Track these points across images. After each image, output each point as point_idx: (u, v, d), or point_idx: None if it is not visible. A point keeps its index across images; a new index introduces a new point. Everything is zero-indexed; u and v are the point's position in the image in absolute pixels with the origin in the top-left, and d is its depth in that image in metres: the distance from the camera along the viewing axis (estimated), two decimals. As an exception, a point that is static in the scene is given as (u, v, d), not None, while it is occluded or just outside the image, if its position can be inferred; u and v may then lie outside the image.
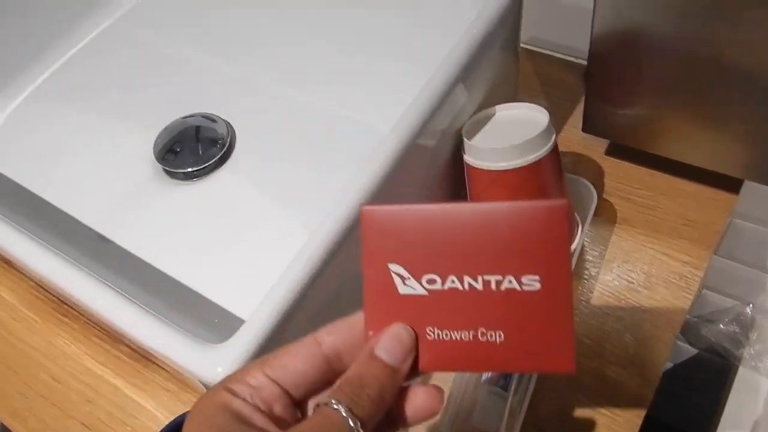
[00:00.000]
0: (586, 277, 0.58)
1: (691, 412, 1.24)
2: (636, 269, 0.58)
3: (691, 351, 1.14)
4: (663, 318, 0.55)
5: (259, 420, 0.26)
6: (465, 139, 0.51)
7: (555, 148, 0.51)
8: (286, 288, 0.39)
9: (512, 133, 0.51)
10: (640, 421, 0.50)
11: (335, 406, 0.26)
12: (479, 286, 0.28)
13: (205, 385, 0.40)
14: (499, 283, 0.28)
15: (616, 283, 0.57)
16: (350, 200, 0.43)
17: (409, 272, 0.28)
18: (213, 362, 0.38)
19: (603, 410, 0.51)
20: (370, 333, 0.29)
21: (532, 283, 0.28)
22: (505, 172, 0.49)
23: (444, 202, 0.29)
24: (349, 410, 0.26)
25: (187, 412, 0.28)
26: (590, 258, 0.59)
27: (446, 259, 0.28)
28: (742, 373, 0.91)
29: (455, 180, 0.55)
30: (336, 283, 0.44)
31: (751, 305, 0.94)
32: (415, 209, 0.29)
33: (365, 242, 0.29)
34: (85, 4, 0.79)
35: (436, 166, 0.53)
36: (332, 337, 0.29)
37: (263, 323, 0.38)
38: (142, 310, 0.42)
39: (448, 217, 0.28)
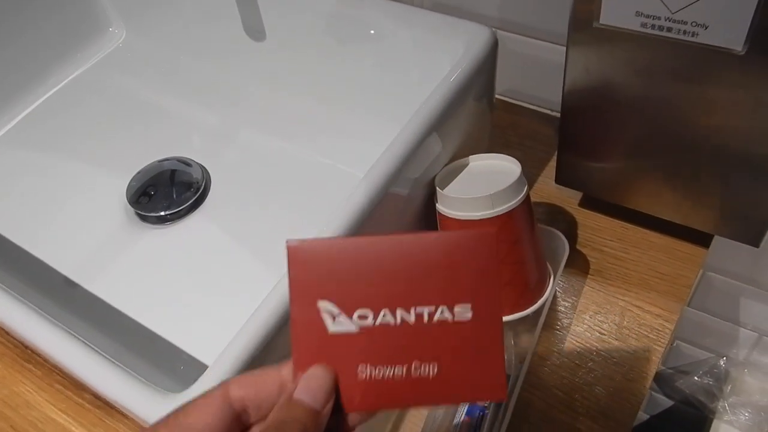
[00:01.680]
0: (557, 327, 0.58)
1: (668, 465, 1.23)
2: (608, 321, 0.58)
3: (666, 402, 1.14)
4: (634, 370, 0.54)
5: None
6: (438, 189, 0.52)
7: (527, 199, 0.52)
8: (250, 334, 0.39)
9: (485, 183, 0.51)
10: (611, 477, 0.50)
11: None
12: (412, 318, 0.28)
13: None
14: (431, 314, 0.28)
15: (588, 334, 0.57)
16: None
17: (340, 308, 0.28)
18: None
19: (574, 465, 0.51)
20: (300, 374, 0.28)
21: (464, 312, 0.27)
22: (477, 222, 0.49)
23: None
24: None
25: None
26: (562, 309, 0.59)
27: (377, 292, 0.28)
28: (717, 426, 0.91)
29: (428, 229, 0.55)
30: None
31: (724, 358, 0.94)
32: (344, 242, 0.29)
33: (292, 279, 0.28)
34: (59, 50, 0.79)
35: (409, 214, 0.53)
36: (242, 390, 0.27)
37: (226, 370, 0.37)
38: (102, 359, 0.41)
39: (377, 249, 0.28)
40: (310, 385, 0.27)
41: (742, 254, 0.77)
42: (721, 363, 0.94)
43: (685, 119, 0.48)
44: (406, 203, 0.52)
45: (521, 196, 0.50)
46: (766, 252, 0.75)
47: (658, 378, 1.09)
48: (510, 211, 0.49)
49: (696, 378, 0.97)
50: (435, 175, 0.54)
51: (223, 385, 0.28)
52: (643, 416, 1.21)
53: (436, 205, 0.52)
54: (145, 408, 0.38)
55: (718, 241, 0.77)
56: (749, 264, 0.78)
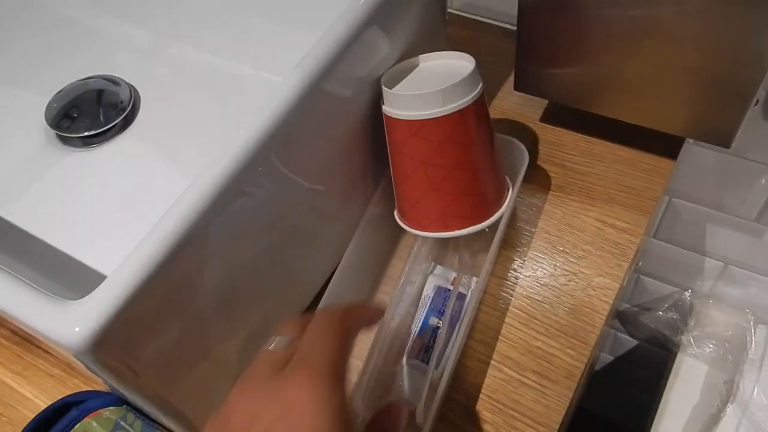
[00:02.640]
0: (518, 245, 0.54)
1: (632, 405, 1.23)
2: (570, 237, 0.54)
3: (631, 343, 1.13)
4: (597, 288, 0.51)
5: None
6: (383, 87, 0.47)
7: (482, 100, 0.47)
8: (153, 243, 0.34)
9: (436, 81, 0.46)
10: (571, 394, 0.46)
11: None
12: None
13: (74, 354, 0.33)
14: None
15: (549, 252, 0.53)
16: (234, 153, 0.38)
17: None
18: (69, 321, 0.32)
19: (532, 383, 0.47)
20: None
21: None
22: (427, 122, 0.44)
23: None
24: None
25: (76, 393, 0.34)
26: (523, 226, 0.55)
27: None
28: (681, 360, 0.89)
29: (378, 136, 0.50)
30: (216, 237, 0.38)
31: (689, 291, 0.92)
32: None
33: None
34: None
35: (354, 116, 0.48)
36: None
37: (125, 279, 0.32)
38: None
39: None
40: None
41: (708, 177, 0.74)
42: (686, 296, 0.92)
43: (653, 13, 0.44)
44: (349, 105, 0.47)
45: (475, 93, 0.45)
46: (732, 173, 0.72)
47: (622, 316, 1.07)
48: (463, 109, 0.44)
49: (660, 313, 0.95)
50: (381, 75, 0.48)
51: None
52: (607, 358, 1.20)
53: (382, 106, 0.47)
54: (38, 315, 0.32)
55: (683, 162, 0.74)
56: (715, 188, 0.75)
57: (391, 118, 0.46)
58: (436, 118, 0.44)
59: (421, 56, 0.50)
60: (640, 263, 0.92)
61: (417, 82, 0.48)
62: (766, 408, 0.79)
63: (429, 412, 0.44)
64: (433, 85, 0.45)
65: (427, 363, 0.47)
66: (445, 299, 0.51)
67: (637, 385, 1.21)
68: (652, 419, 0.87)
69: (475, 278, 0.52)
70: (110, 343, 0.33)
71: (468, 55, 0.48)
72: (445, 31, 0.59)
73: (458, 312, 0.50)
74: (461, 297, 0.51)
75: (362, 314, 0.35)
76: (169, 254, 0.35)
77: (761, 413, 0.79)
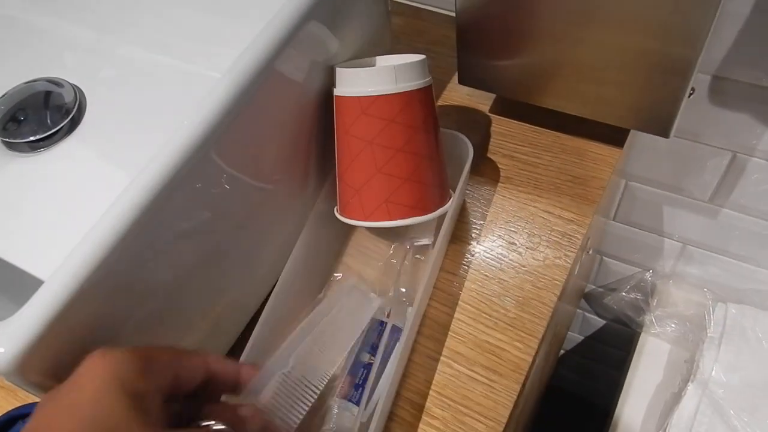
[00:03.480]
0: (467, 239, 0.54)
1: (600, 383, 1.25)
2: (518, 229, 0.54)
3: (598, 322, 1.14)
4: (545, 278, 0.51)
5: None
6: (337, 69, 0.47)
7: (431, 90, 0.48)
8: (86, 252, 0.33)
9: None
10: (518, 387, 0.47)
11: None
12: None
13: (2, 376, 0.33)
14: None
15: (498, 244, 0.54)
16: (169, 152, 0.38)
17: None
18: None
19: (481, 378, 0.47)
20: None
21: None
22: (378, 98, 0.45)
23: None
24: None
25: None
26: (472, 220, 0.56)
27: None
28: (644, 340, 0.91)
29: (323, 132, 0.50)
30: (153, 240, 0.38)
31: (651, 271, 0.94)
32: None
33: None
34: None
35: (297, 114, 0.48)
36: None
37: (52, 294, 0.32)
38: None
39: None
40: None
41: (663, 161, 0.75)
42: (648, 276, 0.94)
43: (584, 10, 0.44)
44: (293, 101, 0.47)
45: (426, 80, 0.47)
46: (686, 156, 0.73)
47: (588, 297, 1.08)
48: (414, 90, 0.45)
49: (623, 294, 0.96)
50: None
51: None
52: (577, 338, 1.22)
53: (334, 90, 0.47)
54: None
55: (638, 147, 0.74)
56: (670, 171, 0.76)
57: (342, 98, 0.47)
58: (387, 95, 0.45)
59: (377, 57, 0.51)
60: (590, 251, 0.93)
61: (370, 68, 0.49)
62: (725, 386, 0.80)
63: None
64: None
65: (357, 403, 0.45)
66: (378, 333, 0.49)
67: (606, 362, 1.22)
68: (618, 398, 0.88)
69: (410, 308, 0.50)
70: (39, 362, 0.32)
71: (421, 55, 0.48)
72: (389, 22, 0.58)
73: (392, 347, 0.48)
74: (396, 331, 0.49)
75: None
76: (101, 263, 0.34)
77: (720, 391, 0.80)
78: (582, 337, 1.22)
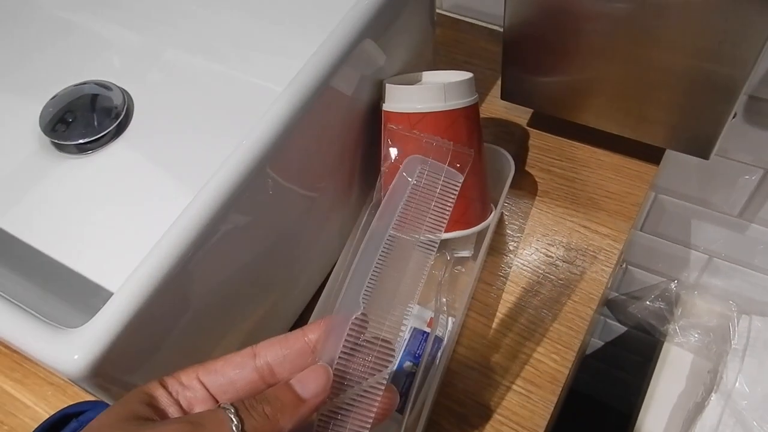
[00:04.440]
0: (504, 252, 0.56)
1: (619, 389, 1.25)
2: (555, 243, 0.55)
3: (620, 329, 1.15)
4: (581, 292, 0.52)
5: (173, 413, 0.28)
6: (386, 84, 0.48)
7: (477, 107, 0.49)
8: (153, 266, 0.35)
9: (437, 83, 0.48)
10: (555, 398, 0.48)
11: (226, 407, 0.26)
12: None
13: (73, 381, 0.35)
14: None
15: (535, 257, 0.55)
16: (236, 162, 0.39)
17: None
18: (68, 349, 0.33)
19: (518, 388, 0.49)
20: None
21: None
22: (427, 115, 0.46)
23: None
24: (237, 414, 0.26)
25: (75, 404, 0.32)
26: (510, 232, 0.57)
27: None
28: (668, 348, 0.92)
29: (371, 143, 0.51)
30: (219, 251, 0.40)
31: (675, 281, 0.94)
32: None
33: None
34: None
35: (348, 127, 0.49)
36: (267, 351, 0.30)
37: (126, 305, 0.34)
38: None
39: None
40: (307, 378, 0.29)
41: (693, 175, 0.76)
42: (672, 286, 0.94)
43: (634, 32, 0.45)
44: (345, 114, 0.48)
45: (473, 98, 0.48)
46: (716, 172, 0.73)
47: (611, 305, 1.09)
48: (462, 108, 0.47)
49: (648, 302, 0.97)
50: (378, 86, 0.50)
51: (255, 345, 0.30)
52: (597, 343, 1.23)
53: (382, 106, 0.49)
54: (38, 344, 0.34)
55: (669, 161, 0.75)
56: (700, 185, 0.76)
57: (390, 113, 0.48)
58: (436, 112, 0.46)
59: (423, 73, 0.52)
60: (624, 265, 0.94)
61: (420, 85, 0.50)
62: (748, 397, 0.81)
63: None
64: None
65: (401, 412, 0.46)
66: (420, 343, 0.50)
67: (626, 369, 1.23)
68: (640, 406, 0.89)
69: (451, 318, 0.51)
70: (109, 368, 0.34)
71: (467, 72, 0.49)
72: (434, 35, 0.60)
73: (434, 357, 0.49)
74: (437, 341, 0.50)
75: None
76: (169, 277, 0.36)
77: (744, 402, 0.81)
78: (602, 343, 1.23)
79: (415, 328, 0.50)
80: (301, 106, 0.42)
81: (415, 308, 0.52)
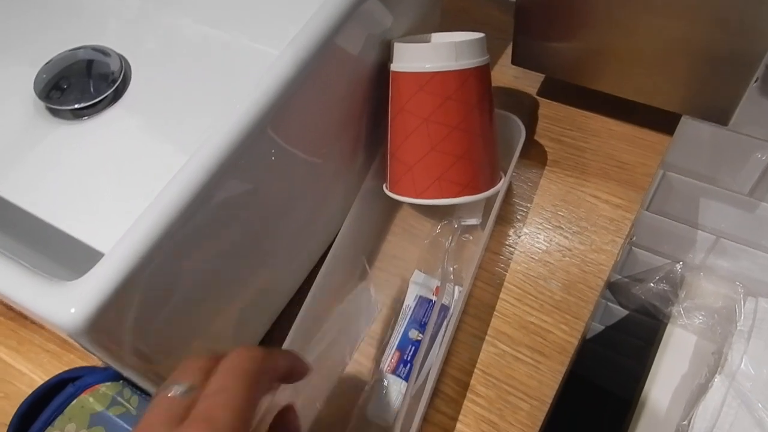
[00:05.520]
0: (513, 221, 0.54)
1: (621, 373, 1.25)
2: (565, 213, 0.54)
3: (621, 312, 1.14)
4: (591, 263, 0.51)
5: None
6: (395, 45, 0.46)
7: (488, 69, 0.47)
8: (150, 222, 0.34)
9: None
10: (563, 368, 0.47)
11: None
12: None
13: (69, 335, 0.33)
14: None
15: (545, 227, 0.53)
16: (232, 124, 0.38)
17: None
18: (65, 302, 0.31)
19: (526, 358, 0.48)
20: None
21: None
22: (437, 74, 0.44)
23: None
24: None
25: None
26: (519, 201, 0.55)
27: None
28: (671, 331, 0.90)
29: (374, 109, 0.50)
30: (216, 213, 0.38)
31: (681, 263, 0.93)
32: None
33: None
34: None
35: (350, 91, 0.48)
36: None
37: (122, 259, 0.32)
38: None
39: None
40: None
41: (703, 152, 0.74)
42: (677, 268, 0.93)
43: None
44: (346, 79, 0.46)
45: (484, 58, 0.47)
46: (727, 148, 0.72)
47: (613, 288, 1.08)
48: (473, 68, 0.45)
49: (651, 284, 0.95)
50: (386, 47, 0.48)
51: None
52: (598, 327, 1.22)
53: (390, 66, 0.47)
54: (34, 297, 0.32)
55: (679, 137, 0.74)
56: (710, 162, 0.75)
57: (399, 73, 0.46)
58: (446, 71, 0.45)
59: (431, 34, 0.50)
60: (633, 238, 0.93)
61: (431, 43, 0.49)
62: (753, 378, 0.80)
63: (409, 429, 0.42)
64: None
65: (406, 379, 0.45)
66: (426, 311, 0.49)
67: (627, 353, 1.22)
68: (642, 387, 0.88)
69: (458, 287, 0.50)
70: (106, 323, 0.33)
71: (479, 33, 0.48)
72: (439, 6, 0.58)
73: (440, 326, 0.48)
74: (444, 309, 0.49)
75: (283, 365, 0.30)
76: (165, 233, 0.34)
77: (748, 383, 0.80)
78: (602, 327, 1.22)
79: (420, 296, 0.49)
80: (303, 64, 0.40)
81: (421, 276, 0.51)
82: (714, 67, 0.46)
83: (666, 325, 0.91)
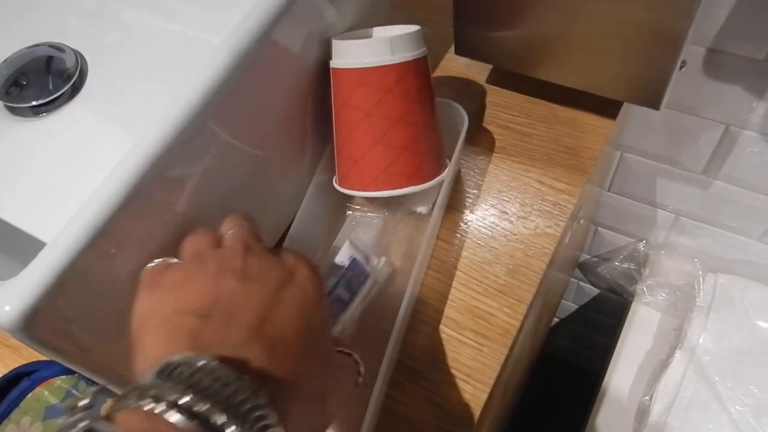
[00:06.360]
0: (461, 208, 0.56)
1: (595, 352, 1.27)
2: (511, 199, 0.55)
3: (593, 291, 1.16)
4: (535, 247, 0.53)
5: None
6: (333, 41, 0.47)
7: (426, 60, 0.49)
8: (87, 215, 0.35)
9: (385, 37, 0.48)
10: (506, 350, 0.48)
11: None
12: None
13: (7, 333, 0.35)
14: None
15: (491, 213, 0.55)
16: (173, 114, 0.39)
17: None
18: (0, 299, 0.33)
19: (470, 342, 0.49)
20: None
21: None
22: (375, 69, 0.46)
23: None
24: None
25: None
26: (467, 189, 0.57)
27: None
28: (635, 308, 0.93)
29: (320, 103, 0.51)
30: (158, 204, 0.39)
31: (644, 242, 0.95)
32: None
33: None
34: None
35: (295, 82, 0.48)
36: None
37: (57, 253, 0.33)
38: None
39: None
40: None
41: (657, 133, 0.76)
42: (641, 247, 0.95)
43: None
44: (291, 69, 0.47)
45: (421, 50, 0.48)
46: (679, 129, 0.74)
47: (583, 267, 1.10)
48: (410, 61, 0.46)
49: (617, 263, 0.97)
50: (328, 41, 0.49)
51: None
52: (571, 306, 1.24)
53: (330, 63, 0.48)
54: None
55: (632, 119, 0.75)
56: (664, 143, 0.77)
57: (339, 70, 0.47)
58: (383, 65, 0.46)
59: (374, 28, 0.51)
60: (581, 221, 0.95)
61: (366, 39, 0.49)
62: (711, 353, 0.83)
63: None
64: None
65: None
66: (362, 279, 0.50)
67: (599, 331, 1.25)
68: (608, 364, 0.90)
69: (384, 259, 0.52)
70: (45, 319, 0.34)
71: (416, 26, 0.49)
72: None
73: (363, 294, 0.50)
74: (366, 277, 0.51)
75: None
76: (101, 229, 0.35)
77: (707, 358, 0.82)
78: (576, 306, 1.24)
79: (354, 258, 0.50)
80: (241, 57, 0.41)
81: (360, 243, 0.52)
82: (642, 52, 0.47)
83: (631, 303, 0.94)
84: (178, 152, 0.39)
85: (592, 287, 1.15)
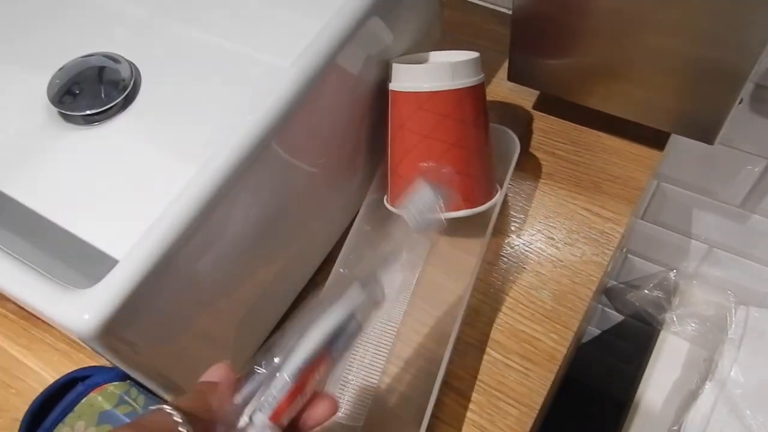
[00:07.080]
0: (508, 233, 0.56)
1: (615, 377, 1.27)
2: (557, 225, 0.56)
3: (616, 318, 1.16)
4: (581, 274, 0.53)
5: None
6: (393, 65, 0.48)
7: (483, 87, 0.49)
8: (162, 230, 0.36)
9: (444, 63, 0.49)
10: (552, 376, 0.49)
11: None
12: None
13: (82, 340, 0.35)
14: None
15: (537, 238, 0.55)
16: (241, 138, 0.40)
17: None
18: (79, 309, 0.33)
19: (516, 365, 0.49)
20: None
21: None
22: (435, 94, 0.47)
23: None
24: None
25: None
26: (513, 213, 0.57)
27: None
28: (664, 337, 0.92)
29: (375, 124, 0.52)
30: (222, 222, 0.40)
31: (674, 271, 0.95)
32: None
33: None
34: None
35: (354, 106, 0.50)
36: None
37: (135, 267, 0.34)
38: (7, 256, 0.38)
39: None
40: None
41: (696, 164, 0.76)
42: (671, 276, 0.95)
43: (642, 16, 0.45)
44: (351, 94, 0.48)
45: (480, 77, 0.49)
46: (720, 161, 0.74)
47: (610, 293, 1.10)
48: (469, 87, 0.47)
49: (646, 291, 0.97)
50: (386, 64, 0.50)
51: None
52: (594, 331, 1.24)
53: (390, 85, 0.49)
54: (49, 303, 0.34)
55: (673, 149, 0.75)
56: (703, 174, 0.77)
57: (398, 93, 0.48)
58: (444, 90, 0.47)
59: (431, 53, 0.52)
60: (624, 249, 0.95)
61: (428, 64, 0.50)
62: (742, 386, 0.82)
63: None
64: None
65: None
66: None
67: (622, 358, 1.24)
68: (636, 391, 0.90)
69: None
70: (118, 328, 0.35)
71: (474, 52, 0.50)
72: (441, 16, 0.60)
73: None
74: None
75: None
76: (176, 242, 0.36)
77: (738, 391, 0.82)
78: (599, 331, 1.23)
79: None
80: (308, 81, 0.42)
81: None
82: (700, 87, 0.48)
83: (659, 331, 0.93)
84: (242, 172, 0.40)
85: (617, 313, 1.15)
